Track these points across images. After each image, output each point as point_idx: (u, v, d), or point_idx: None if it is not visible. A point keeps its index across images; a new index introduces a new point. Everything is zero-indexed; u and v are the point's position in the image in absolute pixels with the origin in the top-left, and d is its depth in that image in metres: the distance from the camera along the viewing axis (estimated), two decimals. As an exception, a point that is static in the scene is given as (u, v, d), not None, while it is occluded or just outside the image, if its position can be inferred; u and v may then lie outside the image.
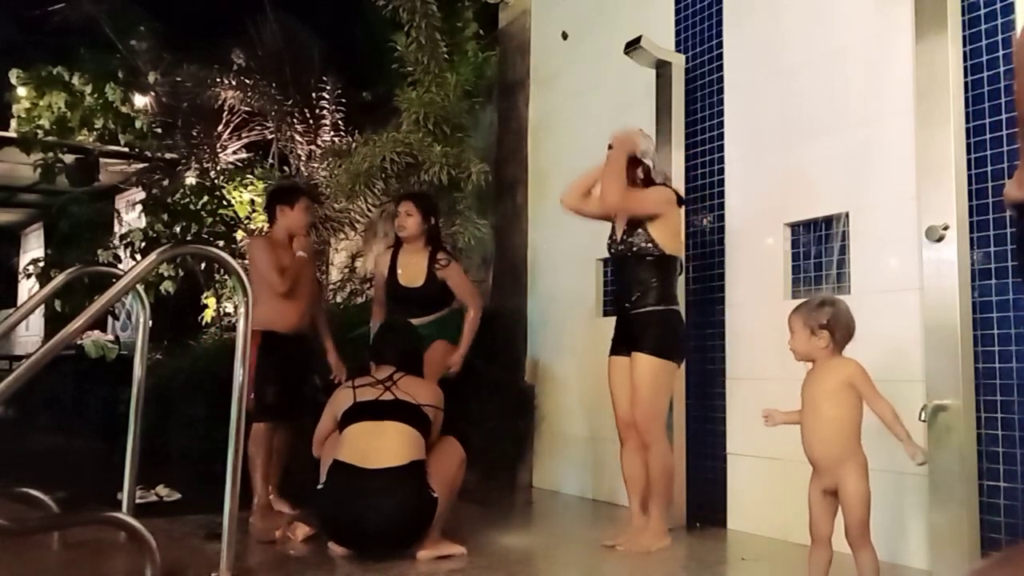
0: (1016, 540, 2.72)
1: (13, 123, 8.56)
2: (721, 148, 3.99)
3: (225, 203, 7.27)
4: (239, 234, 7.20)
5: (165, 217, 7.27)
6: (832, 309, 2.60)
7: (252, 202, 7.33)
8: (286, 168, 7.21)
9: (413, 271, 4.13)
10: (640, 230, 3.40)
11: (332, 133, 7.01)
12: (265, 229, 4.63)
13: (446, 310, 4.23)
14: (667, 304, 3.38)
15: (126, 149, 8.23)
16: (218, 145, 7.47)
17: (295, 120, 7.09)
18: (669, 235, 3.41)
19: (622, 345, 3.45)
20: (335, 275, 7.29)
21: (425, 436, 3.13)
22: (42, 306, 7.35)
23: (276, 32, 7.23)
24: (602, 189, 3.46)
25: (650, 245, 3.37)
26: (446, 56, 5.45)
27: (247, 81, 7.08)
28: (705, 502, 3.85)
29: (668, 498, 3.37)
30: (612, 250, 3.55)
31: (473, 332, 4.20)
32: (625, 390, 3.39)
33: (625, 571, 3.15)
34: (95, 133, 8.38)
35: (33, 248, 12.44)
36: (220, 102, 7.20)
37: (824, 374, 2.56)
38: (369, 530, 2.97)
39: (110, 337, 8.02)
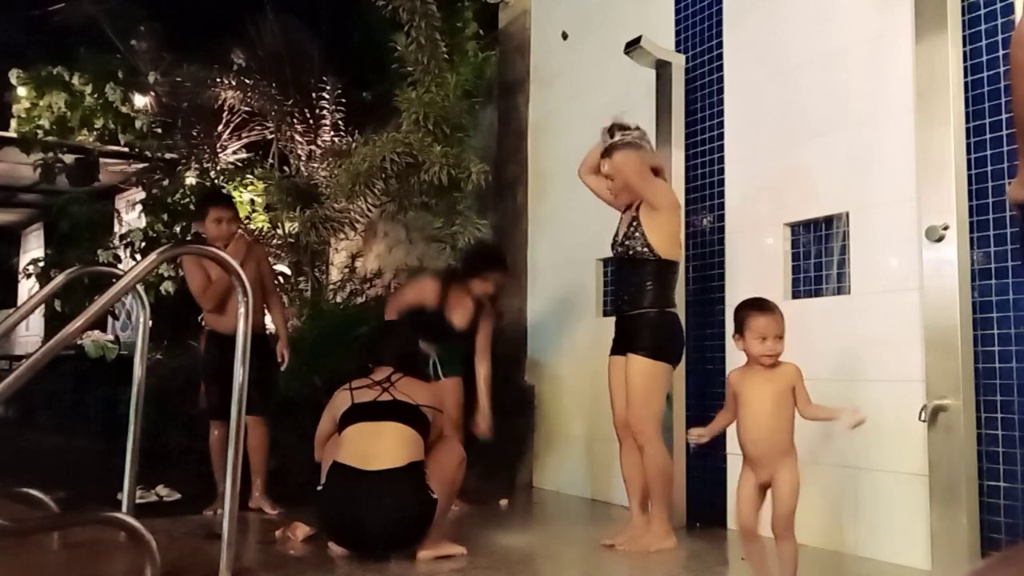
0: (1016, 540, 2.72)
1: (13, 123, 8.56)
2: (721, 148, 3.99)
3: (225, 203, 7.26)
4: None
5: (165, 217, 7.27)
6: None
7: (252, 202, 7.33)
8: (286, 168, 7.21)
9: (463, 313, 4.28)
10: (637, 233, 3.39)
11: (332, 133, 7.01)
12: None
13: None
14: (662, 306, 3.38)
15: (126, 149, 8.22)
16: (218, 145, 7.46)
17: (295, 120, 7.09)
18: (666, 239, 3.39)
19: (618, 346, 3.46)
20: (335, 275, 7.29)
21: (424, 436, 3.12)
22: (42, 306, 7.36)
23: (276, 32, 7.22)
24: (619, 156, 3.42)
25: (646, 250, 3.37)
26: (446, 56, 5.45)
27: (247, 81, 7.07)
28: (705, 502, 3.85)
29: (667, 499, 3.37)
30: (613, 250, 3.55)
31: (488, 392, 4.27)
32: (622, 390, 3.40)
33: (625, 571, 3.15)
34: (95, 133, 8.37)
35: (33, 248, 12.43)
36: (220, 102, 7.19)
37: (780, 376, 2.59)
38: (369, 532, 2.97)
39: (110, 337, 8.02)
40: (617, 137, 3.48)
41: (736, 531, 3.66)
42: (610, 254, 3.81)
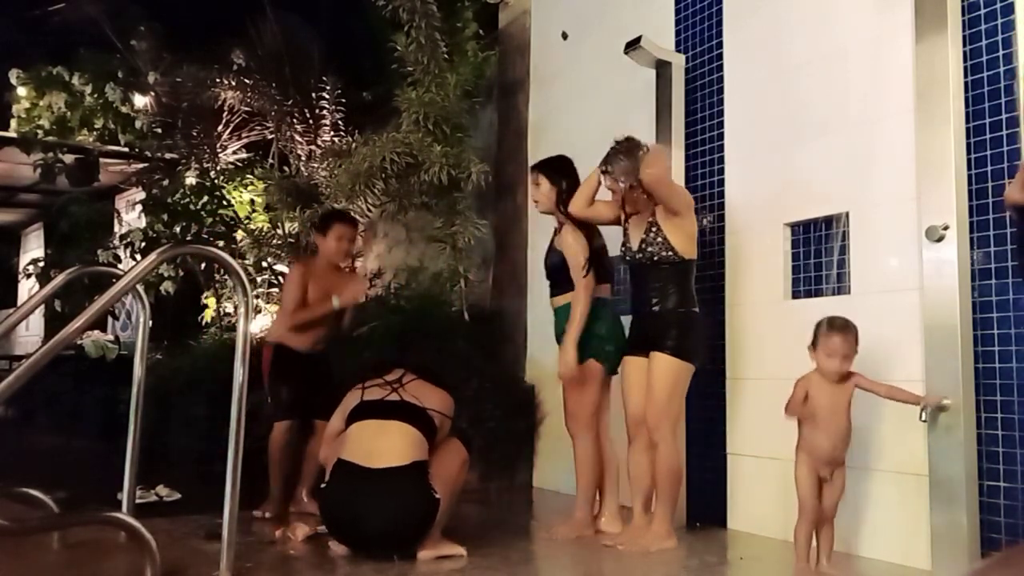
0: (1016, 540, 2.72)
1: (13, 123, 8.55)
2: (721, 148, 3.99)
3: (225, 203, 7.27)
4: (239, 234, 7.20)
5: (165, 217, 7.26)
6: None
7: (252, 202, 7.33)
8: (286, 168, 7.21)
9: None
10: (659, 239, 3.36)
11: (332, 133, 7.01)
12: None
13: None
14: (687, 306, 3.38)
15: (126, 149, 8.22)
16: (218, 145, 7.47)
17: (295, 120, 7.09)
18: (687, 239, 3.39)
19: (639, 346, 3.44)
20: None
21: (429, 439, 3.11)
22: (42, 306, 7.36)
23: (276, 32, 7.23)
24: (650, 161, 3.32)
25: (670, 253, 3.35)
26: (446, 56, 5.45)
27: (247, 81, 7.07)
28: (705, 502, 3.85)
29: (673, 499, 3.36)
30: (628, 257, 3.51)
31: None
32: (640, 389, 3.39)
33: (625, 570, 3.15)
34: (95, 133, 8.37)
35: (33, 248, 12.42)
36: (220, 102, 7.20)
37: (847, 387, 2.85)
38: (371, 530, 2.97)
39: (110, 337, 8.03)
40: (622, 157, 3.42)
41: (737, 532, 3.69)
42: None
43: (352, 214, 4.75)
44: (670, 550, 3.27)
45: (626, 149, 3.43)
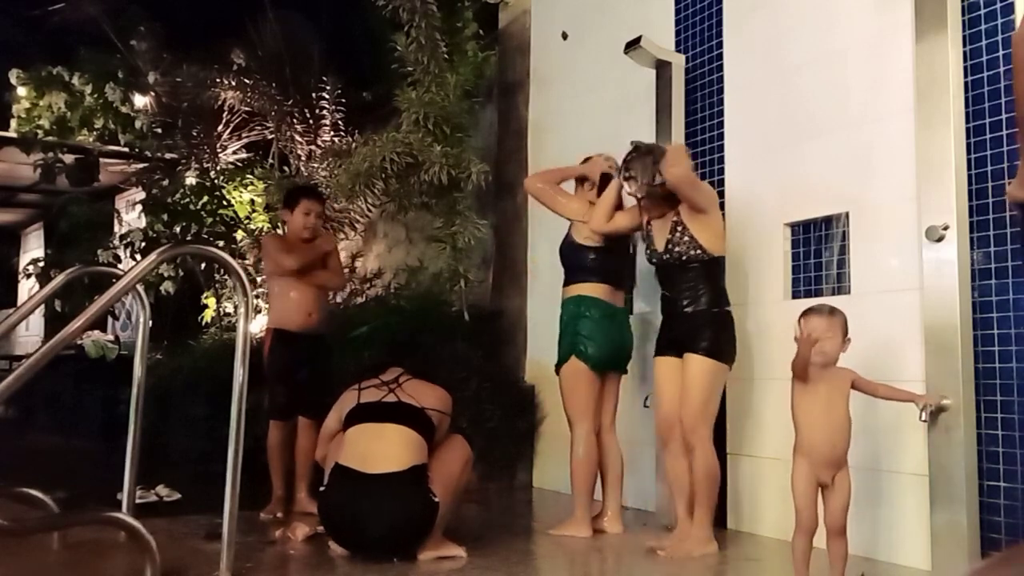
0: (1016, 540, 2.72)
1: (13, 123, 8.56)
2: (721, 148, 3.99)
3: (225, 203, 7.28)
4: (239, 234, 7.20)
5: (165, 217, 7.28)
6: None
7: (252, 202, 7.34)
8: (286, 168, 7.21)
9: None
10: (686, 238, 3.32)
11: (332, 133, 7.01)
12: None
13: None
14: (720, 305, 3.35)
15: (126, 149, 8.23)
16: (218, 145, 7.47)
17: (295, 120, 7.10)
18: (714, 235, 3.35)
19: (670, 346, 3.40)
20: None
21: (427, 440, 3.10)
22: (42, 306, 7.36)
23: (276, 32, 7.23)
24: (673, 160, 3.29)
25: (699, 251, 3.31)
26: (446, 56, 5.45)
27: (247, 81, 7.08)
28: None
29: (712, 502, 3.29)
30: (654, 260, 3.47)
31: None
32: (671, 391, 3.35)
33: (625, 571, 3.15)
34: (95, 133, 8.38)
35: (33, 248, 12.43)
36: (220, 102, 7.21)
37: (840, 379, 2.67)
38: (370, 535, 2.96)
39: (110, 337, 8.02)
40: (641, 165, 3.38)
41: (737, 532, 3.69)
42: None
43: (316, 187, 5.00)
44: (712, 554, 3.21)
45: (646, 151, 3.39)
